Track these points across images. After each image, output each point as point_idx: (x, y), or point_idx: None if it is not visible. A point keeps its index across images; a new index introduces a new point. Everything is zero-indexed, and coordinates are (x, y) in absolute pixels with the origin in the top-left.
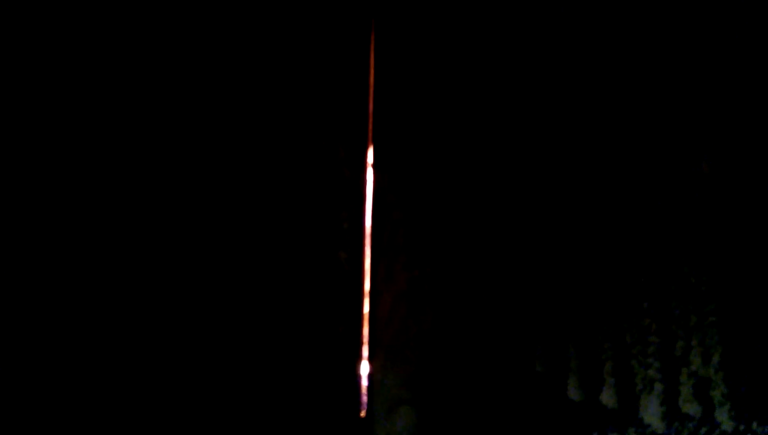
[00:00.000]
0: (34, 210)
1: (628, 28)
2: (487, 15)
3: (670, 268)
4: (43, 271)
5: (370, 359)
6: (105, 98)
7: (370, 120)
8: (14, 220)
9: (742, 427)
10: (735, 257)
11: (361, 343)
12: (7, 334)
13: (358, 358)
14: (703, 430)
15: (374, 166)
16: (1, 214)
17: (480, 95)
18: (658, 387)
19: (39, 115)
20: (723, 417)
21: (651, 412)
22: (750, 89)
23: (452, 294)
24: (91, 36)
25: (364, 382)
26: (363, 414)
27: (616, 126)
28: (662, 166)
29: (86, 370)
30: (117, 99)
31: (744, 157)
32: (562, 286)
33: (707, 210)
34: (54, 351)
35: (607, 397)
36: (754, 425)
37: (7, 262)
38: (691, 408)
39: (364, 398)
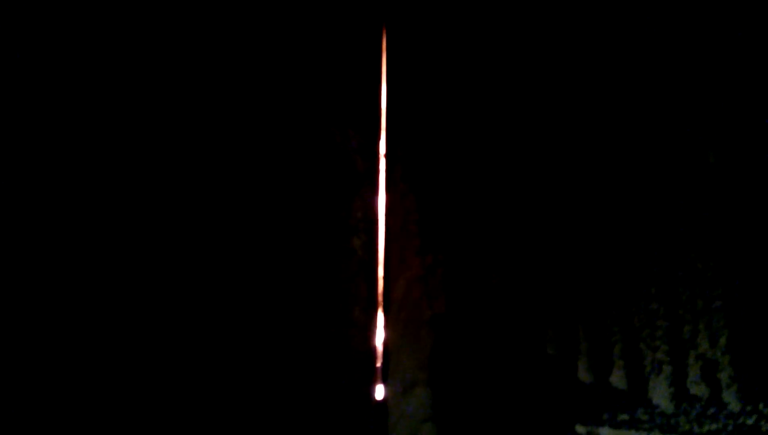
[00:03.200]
0: (33, 210)
1: (633, 21)
2: (495, 10)
3: (677, 255)
4: (48, 270)
5: (385, 342)
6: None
7: (382, 112)
8: (13, 220)
9: (749, 408)
10: (740, 244)
11: (375, 326)
12: (6, 334)
13: (373, 341)
14: (711, 411)
15: (386, 156)
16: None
17: (489, 85)
18: (667, 369)
19: (38, 115)
20: (730, 398)
21: (660, 394)
22: (755, 81)
23: (465, 279)
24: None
25: (379, 364)
26: (379, 395)
27: (626, 117)
28: (670, 157)
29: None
30: (145, 89)
31: (748, 148)
32: (573, 271)
33: (713, 199)
34: (69, 349)
35: (617, 379)
36: (761, 406)
37: (7, 263)
38: (698, 389)
39: (380, 379)
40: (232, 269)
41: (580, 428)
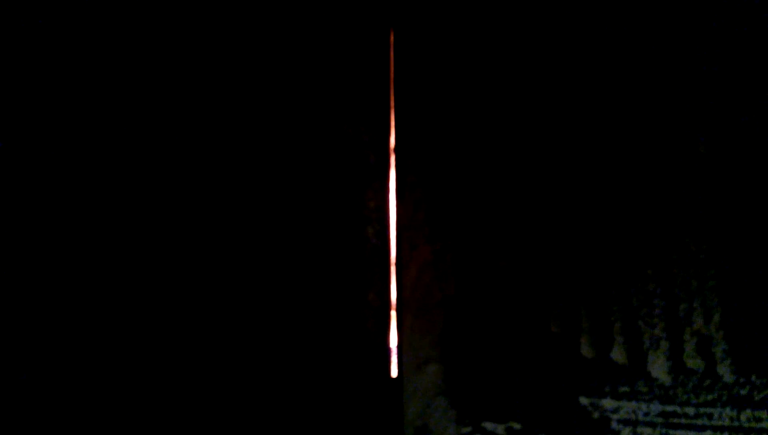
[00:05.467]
0: (33, 210)
1: (625, 21)
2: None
3: (672, 239)
4: (46, 270)
5: (399, 323)
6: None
7: (392, 109)
8: (12, 220)
9: (742, 380)
10: (730, 228)
11: (389, 309)
12: (6, 334)
13: (387, 322)
14: (706, 382)
15: (396, 150)
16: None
17: (492, 81)
18: (664, 345)
19: (38, 115)
20: (724, 371)
21: (658, 368)
22: (743, 77)
23: (473, 263)
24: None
25: (394, 344)
26: (393, 372)
27: (622, 110)
28: (664, 148)
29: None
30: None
31: (736, 141)
32: (575, 255)
33: (704, 187)
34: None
35: (617, 354)
36: (753, 377)
37: (7, 263)
38: (694, 363)
39: (394, 358)
40: (259, 256)
41: (583, 400)
